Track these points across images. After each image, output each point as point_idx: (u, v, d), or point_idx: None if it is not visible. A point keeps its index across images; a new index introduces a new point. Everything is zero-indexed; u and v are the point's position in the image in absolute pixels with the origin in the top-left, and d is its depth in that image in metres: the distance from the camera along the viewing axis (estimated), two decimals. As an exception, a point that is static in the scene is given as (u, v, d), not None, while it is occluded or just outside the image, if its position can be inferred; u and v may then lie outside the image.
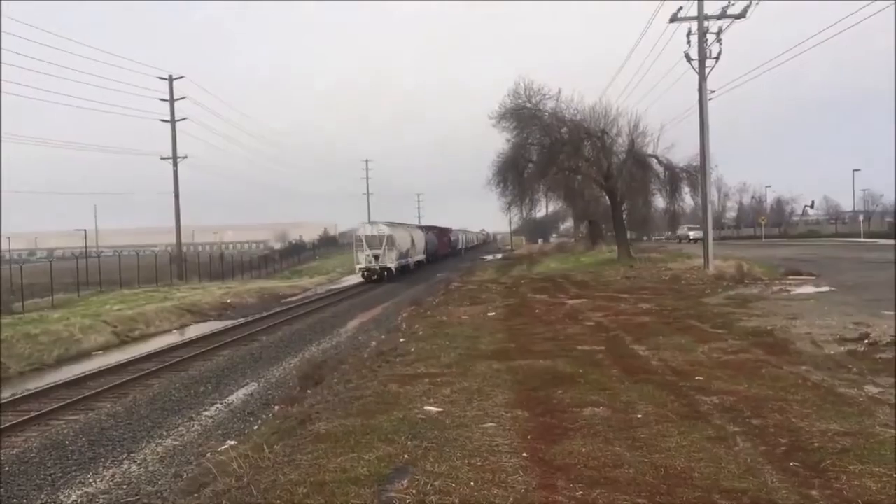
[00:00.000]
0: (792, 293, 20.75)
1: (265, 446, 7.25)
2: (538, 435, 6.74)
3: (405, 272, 53.14)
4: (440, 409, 7.67)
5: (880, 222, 77.02)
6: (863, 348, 11.16)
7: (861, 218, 74.69)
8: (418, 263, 58.66)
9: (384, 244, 49.18)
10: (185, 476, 9.64)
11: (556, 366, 10.38)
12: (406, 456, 6.01)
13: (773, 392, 8.37)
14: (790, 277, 25.15)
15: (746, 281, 24.85)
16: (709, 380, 9.16)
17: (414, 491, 5.07)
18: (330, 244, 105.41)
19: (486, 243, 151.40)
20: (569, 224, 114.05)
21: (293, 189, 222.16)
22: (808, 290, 21.43)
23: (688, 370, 9.92)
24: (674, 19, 29.94)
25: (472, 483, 5.33)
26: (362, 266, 49.69)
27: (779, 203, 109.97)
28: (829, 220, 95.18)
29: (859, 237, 64.05)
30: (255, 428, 11.91)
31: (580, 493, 5.17)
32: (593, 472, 5.60)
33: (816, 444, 6.24)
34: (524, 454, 6.13)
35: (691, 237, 66.92)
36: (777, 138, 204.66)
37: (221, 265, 59.20)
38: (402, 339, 14.57)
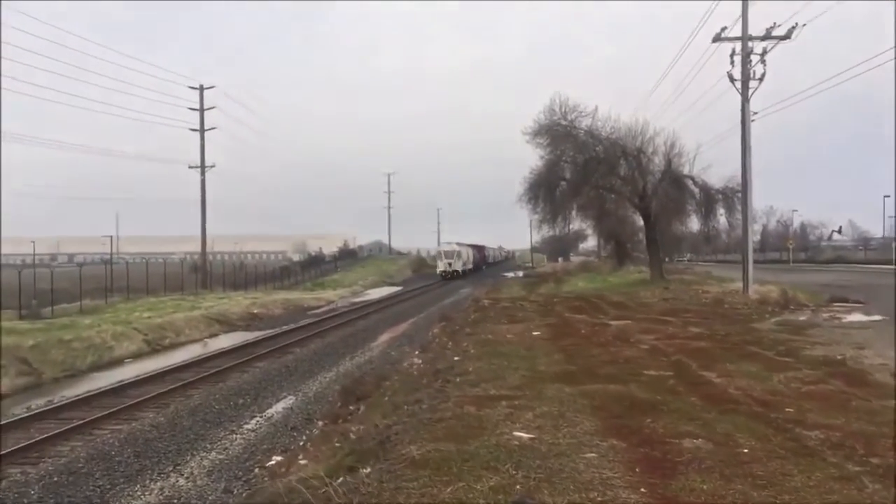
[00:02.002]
0: (844, 321, 20.20)
1: (349, 469, 6.86)
2: (647, 468, 6.31)
3: (459, 276, 75.49)
4: (531, 436, 7.25)
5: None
6: (949, 383, 10.65)
7: (894, 245, 73.58)
8: (465, 271, 79.86)
9: (454, 256, 76.64)
10: (255, 496, 9.23)
11: (631, 391, 9.93)
12: (518, 487, 5.60)
13: (875, 428, 7.90)
14: (837, 304, 24.57)
15: (791, 307, 24.32)
16: (800, 412, 8.69)
17: (547, 530, 4.67)
18: (349, 256, 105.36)
19: (507, 260, 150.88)
20: (590, 243, 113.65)
21: (314, 200, 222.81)
22: (860, 317, 20.90)
23: (771, 400, 9.45)
24: (717, 39, 29.56)
25: (601, 521, 4.92)
26: (441, 270, 76.17)
27: (803, 227, 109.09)
28: (858, 246, 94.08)
29: (890, 264, 63.07)
30: (312, 446, 11.49)
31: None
32: (728, 514, 5.17)
33: (955, 489, 5.78)
34: (642, 489, 5.71)
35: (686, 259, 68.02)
36: (803, 161, 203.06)
37: (245, 275, 59.08)
38: (456, 358, 14.13)
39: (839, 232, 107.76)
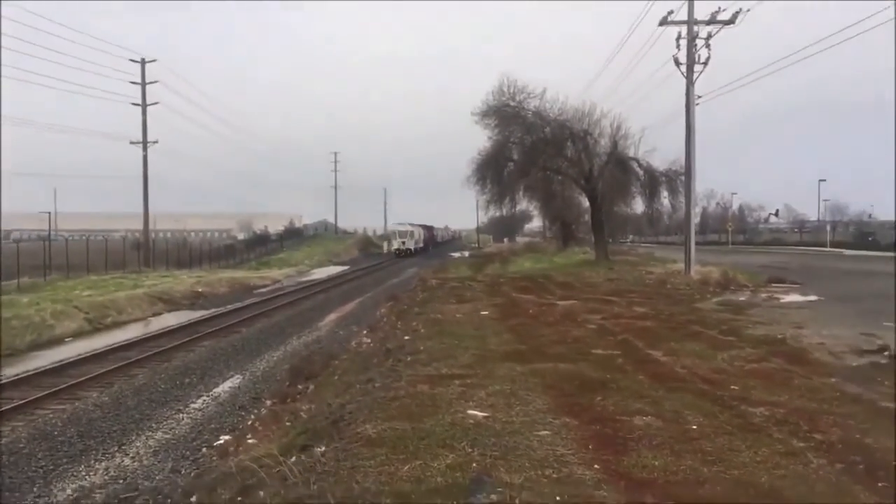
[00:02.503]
0: (782, 301, 20.77)
1: (302, 448, 6.82)
2: (600, 445, 6.41)
3: (412, 254, 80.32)
4: (485, 414, 7.31)
5: (844, 232, 78.49)
6: (885, 361, 11.05)
7: (828, 227, 75.93)
8: (417, 250, 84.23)
9: (408, 236, 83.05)
10: (202, 475, 9.10)
11: (581, 370, 10.07)
12: (474, 465, 5.64)
13: (816, 405, 8.17)
14: (775, 285, 25.23)
15: (732, 287, 24.88)
16: (745, 390, 8.93)
17: (506, 506, 4.72)
18: (295, 235, 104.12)
19: (454, 240, 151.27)
20: (535, 224, 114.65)
21: (257, 178, 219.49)
22: (797, 298, 21.49)
23: (717, 379, 9.68)
24: (663, 23, 29.85)
25: (558, 497, 4.98)
26: (395, 248, 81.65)
27: (741, 210, 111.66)
28: (794, 228, 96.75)
29: (825, 246, 65.07)
30: (261, 425, 11.39)
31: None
32: (680, 489, 5.29)
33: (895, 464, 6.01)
34: (596, 466, 5.80)
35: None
36: (742, 145, 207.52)
37: (189, 254, 58.03)
38: (406, 337, 14.14)
39: (776, 215, 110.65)
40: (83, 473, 10.57)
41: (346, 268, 63.41)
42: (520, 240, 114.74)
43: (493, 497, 4.79)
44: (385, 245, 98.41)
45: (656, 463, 5.92)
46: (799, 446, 6.50)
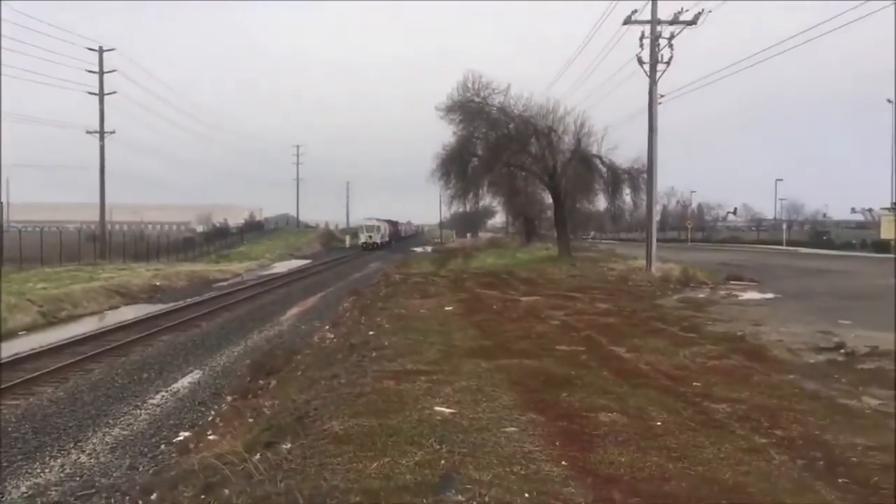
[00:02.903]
0: (740, 298, 21.13)
1: (267, 445, 6.74)
2: (566, 441, 6.44)
3: (378, 247, 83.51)
4: (452, 411, 7.29)
5: (800, 231, 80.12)
6: (841, 358, 11.28)
7: (785, 226, 77.40)
8: (383, 243, 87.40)
9: (374, 230, 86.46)
10: (164, 472, 8.95)
11: (545, 366, 10.12)
12: (443, 462, 5.62)
13: (776, 401, 8.31)
14: (733, 282, 25.66)
15: (692, 284, 25.25)
16: (707, 386, 9.05)
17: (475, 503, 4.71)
18: (256, 229, 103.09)
19: (417, 235, 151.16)
20: (497, 219, 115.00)
21: (217, 170, 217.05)
22: (755, 295, 21.89)
23: (679, 375, 9.80)
24: (627, 22, 30.09)
25: (526, 494, 4.98)
26: (363, 241, 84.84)
27: (700, 208, 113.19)
28: (751, 227, 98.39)
29: (782, 245, 66.32)
30: (222, 421, 11.24)
31: (646, 508, 4.90)
32: (646, 486, 5.33)
33: (854, 460, 6.14)
34: (563, 462, 5.82)
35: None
36: (702, 144, 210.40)
37: (147, 246, 57.12)
38: (371, 333, 14.07)
39: (734, 213, 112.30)
40: (38, 471, 10.30)
41: (308, 262, 62.96)
42: (482, 235, 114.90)
43: (462, 495, 4.78)
44: (348, 239, 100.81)
45: (622, 459, 5.95)
46: (761, 442, 6.60)
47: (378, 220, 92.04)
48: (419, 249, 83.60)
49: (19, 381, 14.52)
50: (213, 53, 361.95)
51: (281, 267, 56.65)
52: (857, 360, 11.07)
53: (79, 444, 11.48)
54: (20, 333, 21.98)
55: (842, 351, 11.73)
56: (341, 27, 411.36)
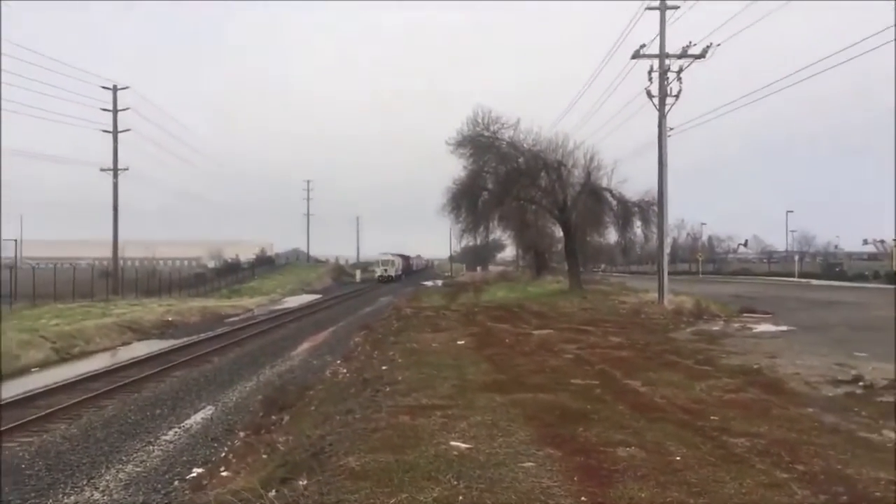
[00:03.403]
0: (755, 331, 20.98)
1: (282, 481, 6.70)
2: (585, 477, 6.37)
3: (392, 280, 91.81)
4: (469, 446, 7.24)
5: (812, 263, 79.70)
6: (860, 391, 11.16)
7: (796, 258, 77.05)
8: (397, 276, 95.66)
9: (389, 264, 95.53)
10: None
11: (561, 400, 10.04)
12: (461, 498, 5.57)
13: (796, 435, 8.21)
14: (747, 315, 25.50)
15: (705, 317, 25.11)
16: (725, 420, 8.95)
17: (496, 541, 4.66)
18: (267, 264, 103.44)
19: (427, 269, 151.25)
20: (507, 253, 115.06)
21: (228, 206, 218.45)
22: (770, 328, 21.73)
23: (696, 409, 9.70)
24: (636, 56, 30.32)
25: (546, 532, 4.92)
26: (378, 274, 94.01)
27: (710, 240, 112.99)
28: (762, 259, 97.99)
29: (794, 276, 65.96)
30: (235, 458, 11.18)
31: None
32: (668, 522, 5.26)
33: (878, 494, 6.05)
34: (582, 498, 5.76)
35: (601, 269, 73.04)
36: (711, 176, 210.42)
37: (159, 282, 57.33)
38: (384, 367, 14.03)
39: (745, 245, 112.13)
40: (51, 509, 10.29)
41: (318, 296, 63.05)
42: (493, 269, 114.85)
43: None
44: (358, 274, 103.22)
45: (643, 495, 5.88)
46: (782, 477, 6.51)
47: (392, 254, 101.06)
48: (429, 283, 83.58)
49: (32, 418, 14.51)
50: (223, 91, 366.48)
51: (292, 302, 56.73)
52: (876, 393, 10.95)
53: (92, 480, 11.43)
54: (33, 370, 22.04)
55: (860, 383, 11.61)
56: (349, 62, 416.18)
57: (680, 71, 29.36)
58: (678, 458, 7.08)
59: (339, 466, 6.41)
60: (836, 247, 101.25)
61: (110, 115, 50.76)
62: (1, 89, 41.51)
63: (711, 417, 9.10)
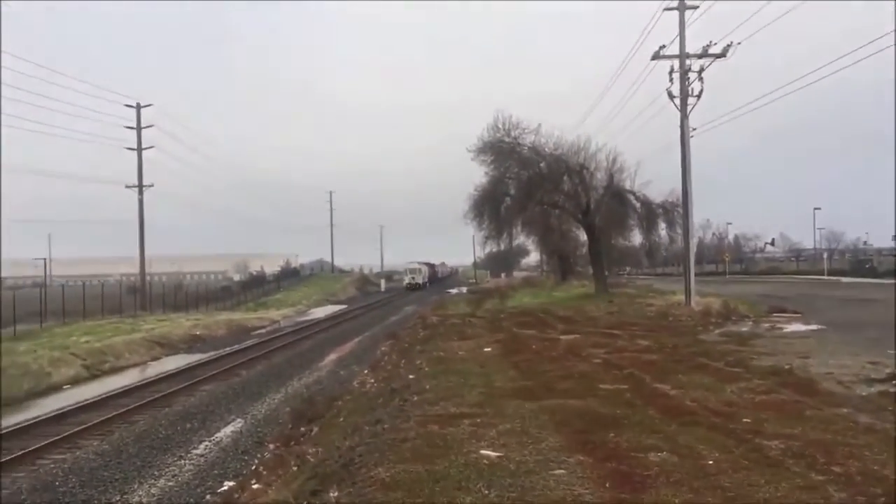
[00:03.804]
0: (785, 331, 20.71)
1: (313, 493, 6.71)
2: (617, 483, 6.30)
3: (420, 287, 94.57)
4: (499, 454, 7.20)
5: (841, 260, 78.65)
6: (894, 389, 10.97)
7: (825, 256, 76.08)
8: (424, 284, 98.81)
9: (417, 272, 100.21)
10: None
11: (590, 406, 9.96)
12: (493, 508, 5.54)
13: (831, 436, 8.07)
14: (776, 315, 25.19)
15: (734, 318, 24.83)
16: (757, 422, 8.83)
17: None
18: (292, 275, 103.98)
19: (451, 276, 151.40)
20: (531, 258, 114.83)
21: (253, 219, 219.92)
22: (800, 327, 21.44)
23: (728, 411, 9.58)
24: (656, 57, 30.14)
25: (580, 540, 4.88)
26: (407, 282, 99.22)
27: (737, 240, 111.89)
28: (790, 257, 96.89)
29: (823, 275, 65.11)
30: (266, 470, 11.22)
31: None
32: (704, 528, 5.19)
33: (918, 495, 5.92)
34: (616, 506, 5.70)
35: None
36: (735, 174, 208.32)
37: (185, 296, 57.83)
38: (411, 376, 14.02)
39: (772, 244, 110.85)
40: (86, 525, 10.39)
41: (344, 307, 63.28)
42: (517, 274, 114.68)
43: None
44: (383, 283, 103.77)
45: (676, 501, 5.81)
46: (818, 479, 6.41)
47: (419, 262, 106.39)
48: (454, 290, 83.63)
49: (65, 434, 14.70)
50: (246, 102, 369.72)
51: (318, 313, 56.98)
52: (912, 391, 10.75)
53: (125, 496, 11.57)
54: (65, 387, 22.33)
55: (894, 382, 11.41)
56: (372, 71, 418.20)
57: (701, 71, 29.12)
58: (711, 463, 6.99)
59: (370, 477, 6.41)
60: (865, 243, 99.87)
61: (134, 132, 51.39)
62: (1, 97, 42.24)
63: (744, 420, 8.98)
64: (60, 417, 16.65)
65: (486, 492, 5.94)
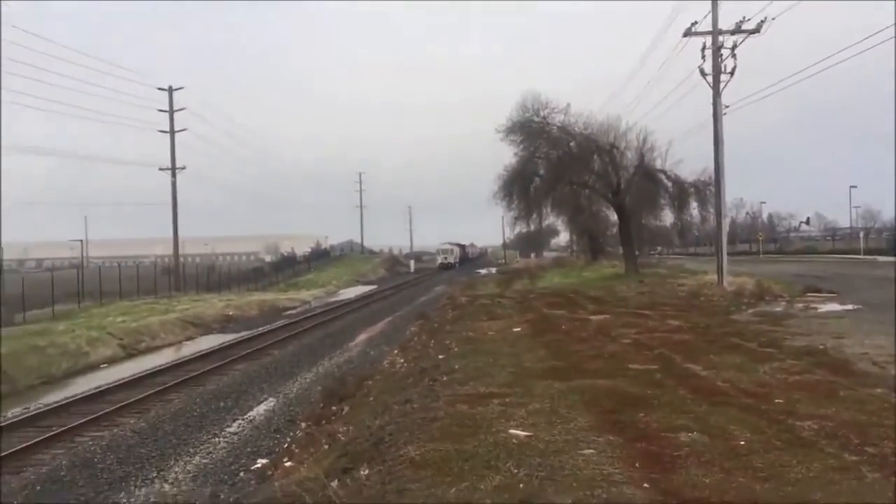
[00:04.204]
0: (820, 311, 20.46)
1: (344, 471, 6.78)
2: (647, 463, 6.28)
3: (452, 267, 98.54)
4: (528, 434, 7.21)
5: (878, 239, 77.33)
6: (931, 370, 10.81)
7: (861, 234, 74.81)
8: (455, 264, 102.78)
9: (449, 253, 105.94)
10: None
11: (620, 386, 9.93)
12: (521, 486, 5.55)
13: (865, 417, 7.96)
14: (811, 294, 24.86)
15: (767, 298, 24.55)
16: (790, 403, 8.74)
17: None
18: (322, 256, 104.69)
19: (481, 256, 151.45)
20: (561, 238, 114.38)
21: (283, 200, 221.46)
22: (835, 307, 21.18)
23: (760, 392, 9.50)
24: (688, 34, 29.71)
25: (609, 519, 4.88)
26: (440, 262, 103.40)
27: (770, 219, 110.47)
28: (826, 236, 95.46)
29: (858, 254, 64.09)
30: (298, 448, 11.37)
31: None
32: (735, 508, 5.16)
33: (954, 476, 5.83)
34: (645, 485, 5.68)
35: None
36: (771, 153, 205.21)
37: (218, 277, 58.51)
38: (441, 356, 14.07)
39: (807, 223, 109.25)
40: (124, 500, 10.61)
41: (373, 287, 63.64)
42: (547, 255, 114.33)
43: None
44: (412, 263, 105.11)
45: (707, 481, 5.78)
46: (852, 460, 6.33)
47: (450, 244, 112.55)
48: (483, 271, 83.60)
49: (103, 412, 14.99)
50: (279, 92, 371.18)
51: (348, 293, 57.37)
52: (949, 372, 10.57)
53: (161, 473, 11.77)
54: (102, 366, 22.78)
55: (932, 362, 11.23)
56: (399, 66, 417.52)
57: (734, 47, 28.64)
58: (742, 443, 6.94)
59: (400, 456, 6.46)
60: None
61: (167, 115, 51.88)
62: (1, 86, 42.77)
63: (776, 400, 8.89)
64: (98, 396, 16.99)
65: (516, 471, 5.95)
